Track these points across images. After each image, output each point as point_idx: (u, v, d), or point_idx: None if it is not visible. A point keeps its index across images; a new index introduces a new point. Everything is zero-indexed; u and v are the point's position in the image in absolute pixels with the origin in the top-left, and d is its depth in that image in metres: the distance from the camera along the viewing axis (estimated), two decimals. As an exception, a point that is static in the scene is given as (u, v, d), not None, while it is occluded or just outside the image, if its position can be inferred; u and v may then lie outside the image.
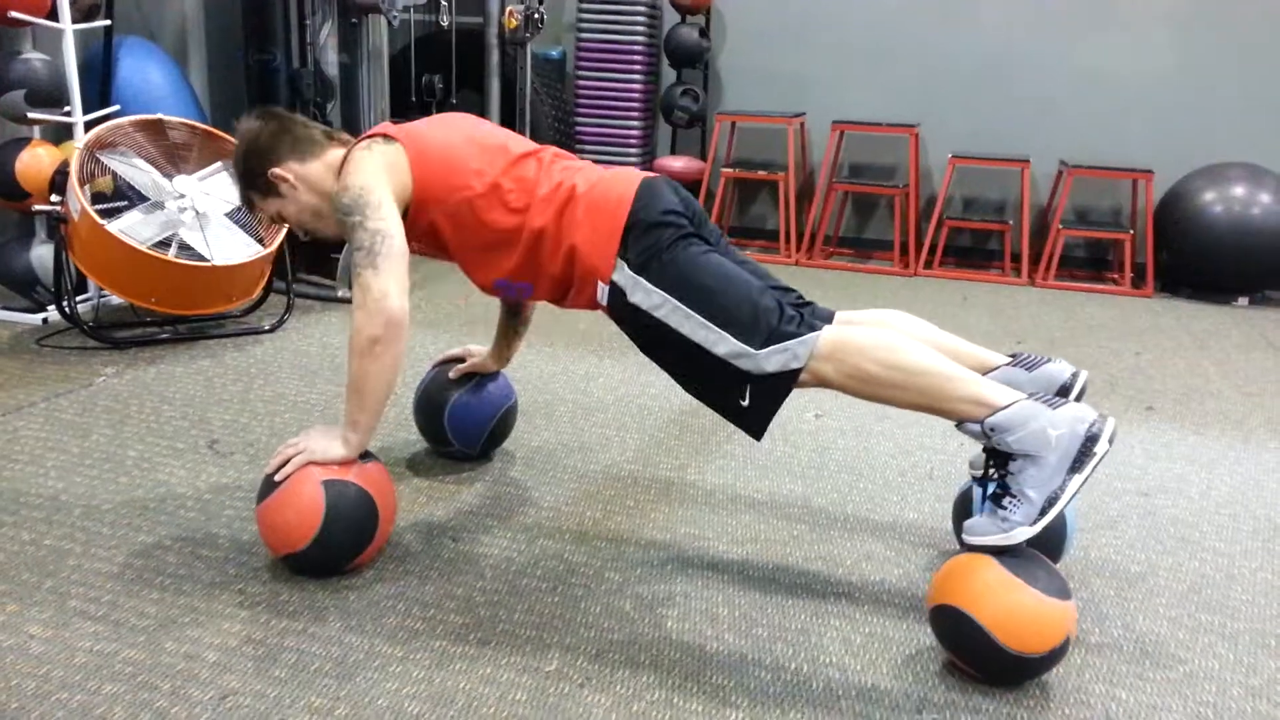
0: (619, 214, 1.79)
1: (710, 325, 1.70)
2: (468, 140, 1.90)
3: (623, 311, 1.80)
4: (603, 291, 1.81)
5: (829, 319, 1.85)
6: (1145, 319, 4.24)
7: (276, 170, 1.91)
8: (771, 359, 1.67)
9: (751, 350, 1.67)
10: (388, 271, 1.73)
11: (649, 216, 1.78)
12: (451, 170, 1.86)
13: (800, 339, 1.66)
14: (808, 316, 1.72)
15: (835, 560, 1.98)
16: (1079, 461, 1.53)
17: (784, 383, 1.68)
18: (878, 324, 1.83)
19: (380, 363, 1.72)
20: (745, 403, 1.72)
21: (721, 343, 1.69)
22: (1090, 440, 1.53)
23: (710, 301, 1.71)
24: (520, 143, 1.94)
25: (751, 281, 1.75)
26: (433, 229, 1.90)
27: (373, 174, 1.80)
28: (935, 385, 1.60)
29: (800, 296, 1.89)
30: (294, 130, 1.94)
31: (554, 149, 1.96)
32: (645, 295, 1.75)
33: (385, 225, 1.75)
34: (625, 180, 1.84)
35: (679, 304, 1.72)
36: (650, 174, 1.88)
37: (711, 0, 5.29)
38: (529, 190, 1.85)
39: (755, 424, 1.73)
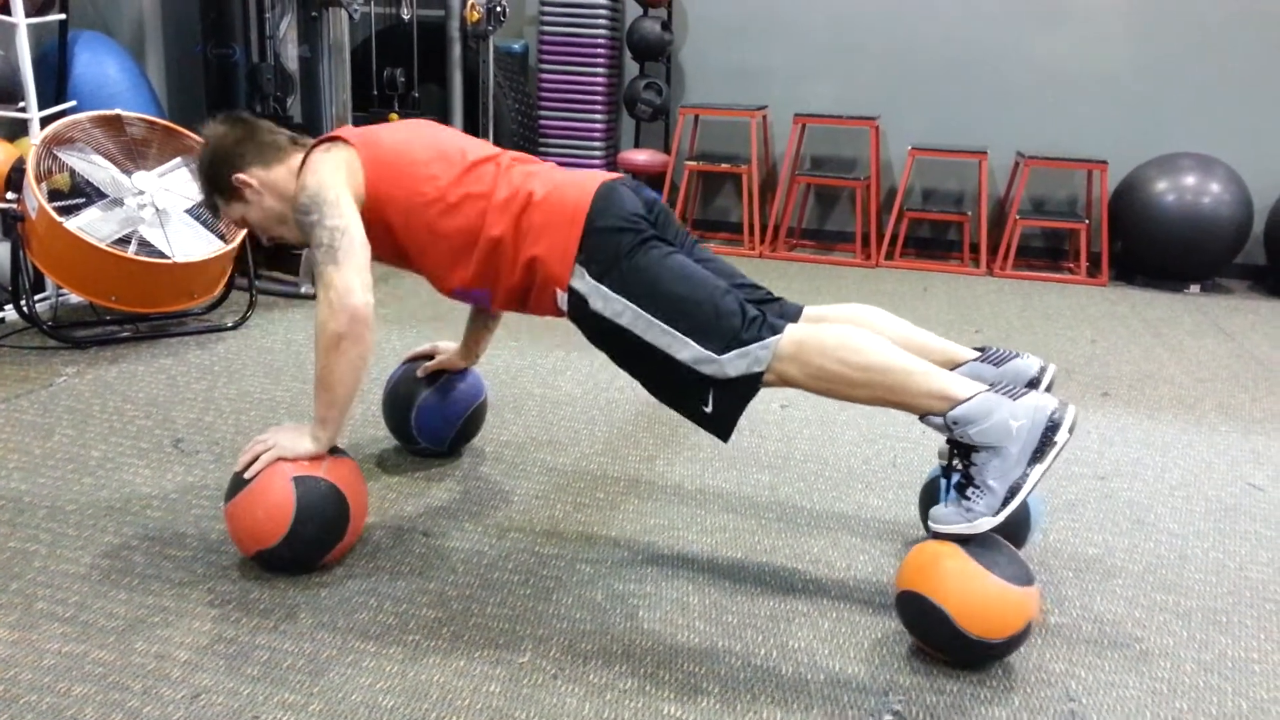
0: (576, 220, 1.76)
1: (672, 331, 1.69)
2: (424, 145, 1.88)
3: (584, 319, 1.78)
4: (562, 299, 1.80)
5: (796, 316, 1.86)
6: (1100, 307, 4.33)
7: (240, 176, 1.91)
8: (734, 363, 1.66)
9: (714, 355, 1.67)
10: (349, 266, 1.72)
11: (607, 222, 1.75)
12: (405, 175, 1.84)
13: (762, 342, 1.65)
14: (770, 317, 1.71)
15: (803, 548, 2.01)
16: (1040, 451, 1.56)
17: (748, 386, 1.68)
18: (847, 320, 1.83)
19: (347, 358, 1.72)
20: (709, 408, 1.71)
21: (684, 349, 1.68)
22: (1051, 429, 1.56)
23: (671, 307, 1.70)
24: (479, 148, 1.92)
25: (714, 284, 1.73)
26: (389, 234, 1.88)
27: (328, 173, 1.80)
28: (897, 381, 1.61)
29: (768, 294, 1.89)
30: (259, 136, 1.93)
31: (513, 153, 1.93)
32: (606, 302, 1.73)
33: (343, 221, 1.75)
34: (583, 185, 1.81)
35: (640, 311, 1.71)
36: (612, 175, 1.87)
37: (673, -7, 5.31)
38: (485, 196, 1.82)
39: (720, 427, 1.73)
